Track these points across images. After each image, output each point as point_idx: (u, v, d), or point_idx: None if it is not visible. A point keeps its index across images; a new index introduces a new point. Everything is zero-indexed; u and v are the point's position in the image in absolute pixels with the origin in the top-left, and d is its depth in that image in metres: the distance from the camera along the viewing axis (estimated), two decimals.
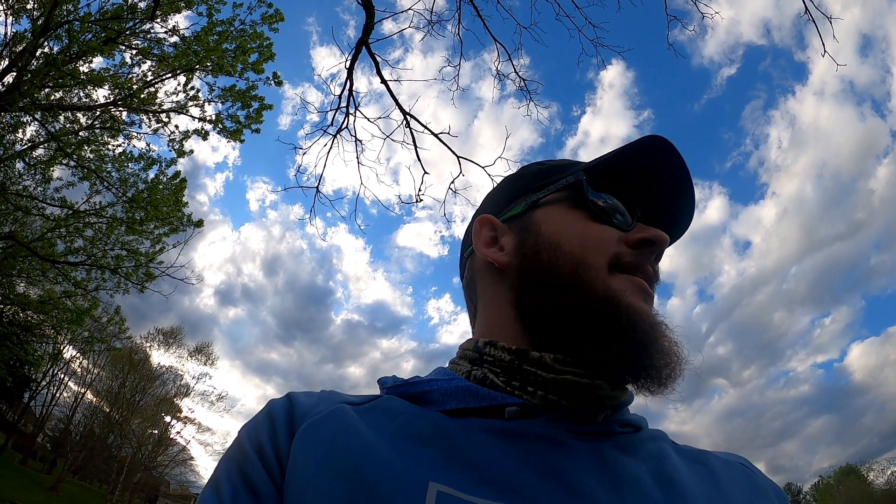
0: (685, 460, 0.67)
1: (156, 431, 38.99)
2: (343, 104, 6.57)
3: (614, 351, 0.62)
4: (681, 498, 0.59)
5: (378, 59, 6.36)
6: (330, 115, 6.57)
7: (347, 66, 6.41)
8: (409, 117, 6.60)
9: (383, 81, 6.48)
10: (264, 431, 0.62)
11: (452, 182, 6.76)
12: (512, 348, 0.67)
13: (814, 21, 5.27)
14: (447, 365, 0.77)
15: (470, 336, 0.80)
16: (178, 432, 41.06)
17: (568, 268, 0.68)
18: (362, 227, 7.05)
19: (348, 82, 6.56)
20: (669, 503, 0.58)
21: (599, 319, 0.63)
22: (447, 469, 0.56)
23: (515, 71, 6.88)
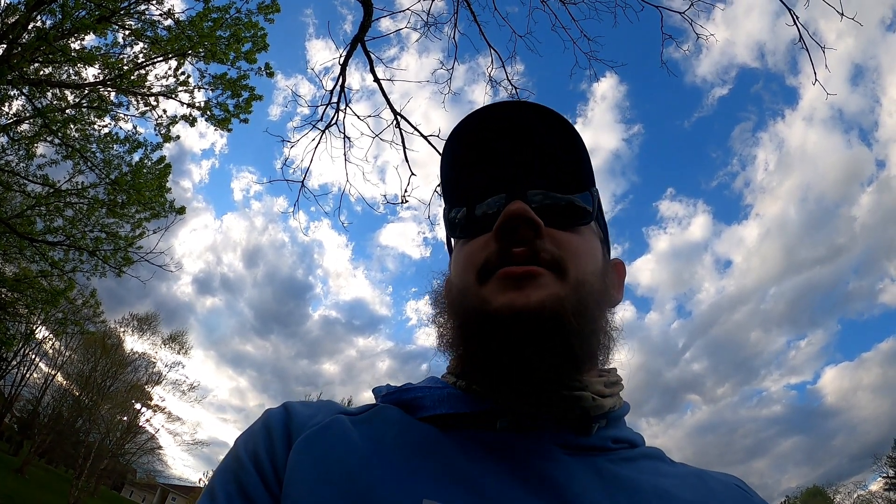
0: (682, 478, 0.66)
1: (125, 418, 38.50)
2: (334, 100, 6.56)
3: (501, 360, 0.60)
4: None
5: (373, 57, 6.37)
6: (320, 110, 6.56)
7: (341, 63, 6.40)
8: (399, 117, 6.61)
9: (376, 80, 6.48)
10: (261, 441, 0.62)
11: (439, 186, 6.75)
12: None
13: (807, 49, 5.34)
14: (440, 376, 0.76)
15: None
16: (148, 420, 40.57)
17: (458, 299, 0.68)
18: (346, 225, 7.04)
19: (341, 78, 6.55)
20: None
21: (478, 333, 0.62)
22: (441, 485, 0.56)
23: (508, 78, 6.91)
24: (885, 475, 47.40)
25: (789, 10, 5.34)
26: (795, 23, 5.35)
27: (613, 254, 0.85)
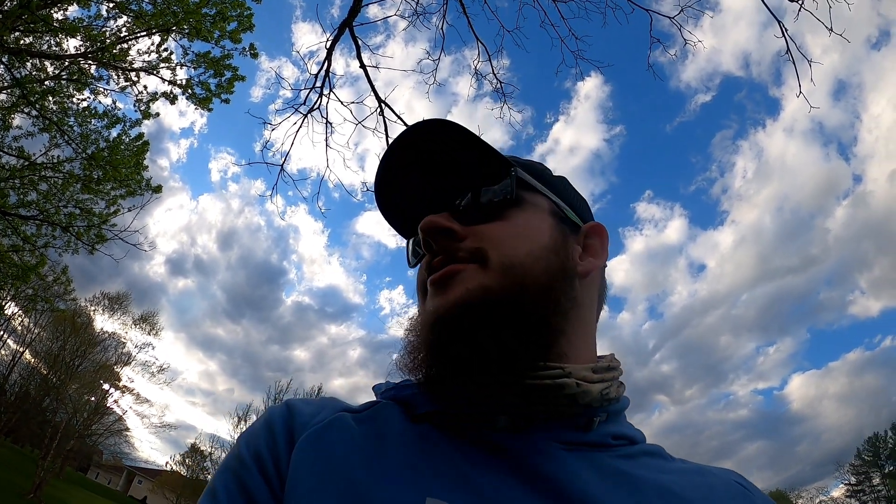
0: (683, 475, 0.66)
1: (93, 399, 37.95)
2: (318, 84, 6.52)
3: (439, 363, 0.62)
4: None
5: (360, 42, 6.34)
6: (303, 94, 6.52)
7: (328, 47, 6.36)
8: (383, 105, 6.59)
9: (363, 66, 6.45)
10: (262, 440, 0.62)
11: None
12: None
13: (793, 62, 5.41)
14: None
15: None
16: (116, 401, 39.96)
17: (415, 321, 0.70)
18: (323, 211, 7.01)
19: (326, 63, 6.52)
20: None
21: (422, 344, 0.64)
22: (443, 483, 0.57)
23: (494, 72, 6.93)
24: (846, 482, 48.57)
25: (779, 22, 5.41)
26: (784, 35, 5.42)
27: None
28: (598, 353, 0.73)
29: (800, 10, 5.20)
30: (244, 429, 0.70)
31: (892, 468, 45.76)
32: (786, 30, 5.41)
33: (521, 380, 0.61)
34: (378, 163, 0.73)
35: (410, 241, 0.78)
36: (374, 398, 0.74)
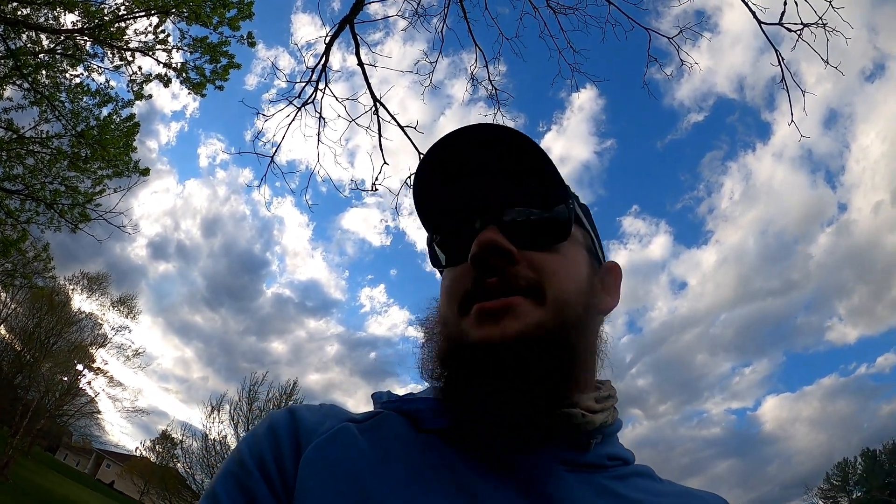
0: (672, 495, 0.70)
1: (66, 379, 37.47)
2: (314, 78, 6.51)
3: (481, 389, 0.61)
4: None
5: (360, 40, 6.33)
6: (298, 87, 6.51)
7: (326, 42, 6.36)
8: (378, 104, 6.58)
9: (360, 64, 6.44)
10: (267, 446, 0.62)
11: (409, 177, 6.78)
12: None
13: (787, 90, 5.50)
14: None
15: None
16: (89, 383, 39.39)
17: (441, 328, 0.70)
18: (310, 205, 7.00)
19: (324, 58, 6.51)
20: None
21: (461, 365, 0.64)
22: (448, 499, 0.58)
23: (490, 79, 6.97)
24: None
25: (776, 50, 5.49)
26: (780, 63, 5.50)
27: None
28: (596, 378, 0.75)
29: (797, 40, 5.27)
30: (245, 433, 0.71)
31: (860, 494, 46.33)
32: (782, 58, 5.49)
33: (550, 411, 0.63)
34: (436, 144, 0.69)
35: (437, 238, 0.75)
36: (373, 406, 0.75)
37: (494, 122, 0.68)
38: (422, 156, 0.70)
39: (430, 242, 0.76)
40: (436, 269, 0.80)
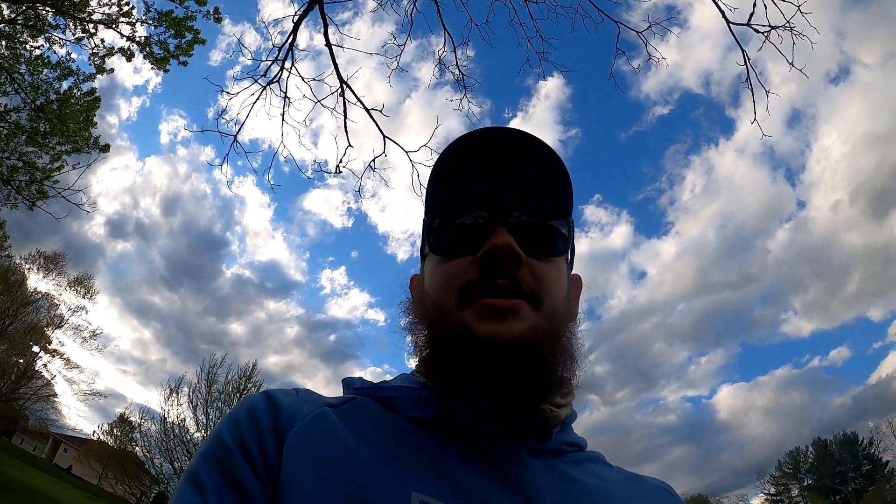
0: (621, 480, 0.77)
1: (21, 361, 36.63)
2: (280, 57, 6.44)
3: (480, 380, 0.64)
4: None
5: (328, 20, 6.25)
6: (264, 65, 6.43)
7: (295, 21, 6.29)
8: (345, 86, 6.53)
9: (328, 45, 6.39)
10: (248, 430, 0.62)
11: (373, 160, 6.79)
12: None
13: (751, 90, 5.63)
14: (411, 373, 0.79)
15: None
16: (45, 365, 38.68)
17: (434, 314, 0.71)
18: (272, 185, 6.92)
19: (291, 36, 6.43)
20: None
21: (460, 354, 0.65)
22: (427, 480, 0.60)
23: (457, 64, 7.00)
24: (766, 492, 50.56)
25: (742, 50, 5.59)
26: (746, 63, 5.62)
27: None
28: None
29: (765, 42, 5.38)
30: (222, 417, 0.69)
31: (810, 482, 47.84)
32: (748, 58, 5.61)
33: (533, 406, 0.67)
34: (467, 136, 0.72)
35: (437, 222, 0.75)
36: (343, 391, 0.77)
37: (526, 132, 0.72)
38: (450, 143, 0.73)
39: (426, 224, 0.78)
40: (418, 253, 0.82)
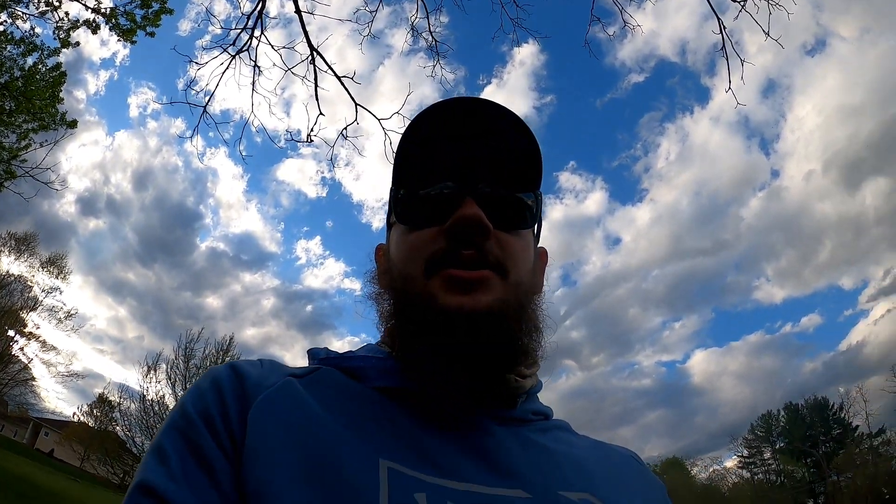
0: (588, 447, 0.77)
1: None
2: (250, 24, 6.38)
3: (446, 351, 0.64)
4: (588, 476, 0.69)
5: None
6: (233, 34, 6.36)
7: None
8: (315, 54, 6.51)
9: (298, 12, 6.34)
10: (212, 401, 0.62)
11: (346, 128, 6.77)
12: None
13: (727, 59, 5.69)
14: (376, 343, 0.80)
15: None
16: (22, 349, 38.26)
17: (399, 283, 0.71)
18: (244, 155, 6.91)
19: (260, 3, 6.37)
20: (579, 480, 0.67)
21: (424, 326, 0.66)
22: (394, 447, 0.61)
23: (430, 30, 6.96)
24: (739, 454, 51.80)
25: (719, 19, 5.63)
26: (722, 32, 5.66)
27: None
28: None
29: (740, 11, 5.42)
30: (184, 391, 0.71)
31: (782, 445, 49.06)
32: (724, 27, 5.64)
33: (500, 377, 0.69)
34: (438, 105, 0.72)
35: (402, 192, 0.75)
36: (308, 362, 0.77)
37: (497, 103, 0.71)
38: (420, 111, 0.73)
39: (392, 194, 0.77)
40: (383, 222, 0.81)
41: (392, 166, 0.77)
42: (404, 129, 0.73)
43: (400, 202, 0.75)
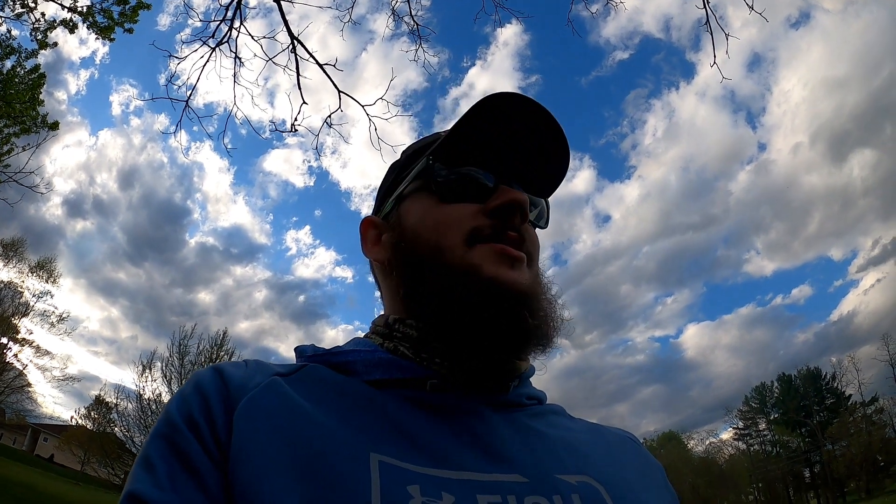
0: (583, 432, 0.76)
1: None
2: (229, 16, 6.34)
3: (488, 323, 0.65)
4: (585, 458, 0.69)
5: None
6: (213, 26, 6.33)
7: None
8: (296, 42, 6.48)
9: (277, 0, 6.30)
10: (196, 406, 0.61)
11: (330, 116, 6.79)
12: (420, 325, 0.71)
13: (711, 33, 5.67)
14: (363, 336, 0.80)
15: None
16: (16, 355, 37.90)
17: (427, 252, 0.71)
18: (229, 148, 6.89)
19: None
20: (576, 463, 0.67)
21: (465, 295, 0.66)
22: (384, 440, 0.60)
23: (412, 13, 6.93)
24: (734, 426, 52.47)
25: None
26: (706, 6, 5.65)
27: None
28: None
29: None
30: (172, 394, 0.69)
31: (776, 415, 49.64)
32: (708, 2, 5.61)
33: (515, 358, 0.71)
34: (516, 98, 0.73)
35: (446, 165, 0.77)
36: (296, 360, 0.77)
37: (550, 112, 0.75)
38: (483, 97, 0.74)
39: (428, 167, 0.77)
40: (398, 189, 0.82)
41: (430, 135, 0.84)
42: (472, 105, 0.73)
43: (437, 174, 0.76)
